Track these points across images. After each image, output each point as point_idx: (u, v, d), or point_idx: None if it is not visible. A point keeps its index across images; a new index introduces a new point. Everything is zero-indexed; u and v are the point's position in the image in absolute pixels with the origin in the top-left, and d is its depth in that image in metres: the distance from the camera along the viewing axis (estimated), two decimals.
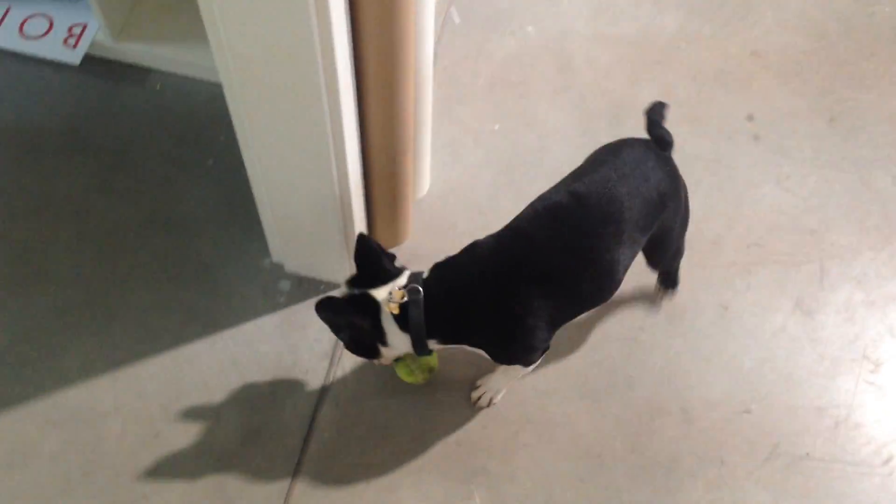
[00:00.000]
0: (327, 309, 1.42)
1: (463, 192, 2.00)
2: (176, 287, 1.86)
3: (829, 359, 1.79)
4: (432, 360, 1.68)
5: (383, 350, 1.48)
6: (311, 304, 1.78)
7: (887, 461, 1.69)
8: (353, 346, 1.52)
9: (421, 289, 1.37)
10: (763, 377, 1.77)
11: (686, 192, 1.55)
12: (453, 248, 1.47)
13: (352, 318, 1.44)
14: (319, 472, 1.65)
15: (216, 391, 1.73)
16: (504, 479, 1.66)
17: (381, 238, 1.86)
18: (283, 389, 1.74)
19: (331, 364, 1.77)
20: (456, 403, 1.73)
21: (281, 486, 1.64)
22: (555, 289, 1.38)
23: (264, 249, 1.88)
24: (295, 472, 1.65)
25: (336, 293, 1.47)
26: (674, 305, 1.84)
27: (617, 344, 1.80)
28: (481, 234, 1.46)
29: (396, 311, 1.38)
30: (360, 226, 1.73)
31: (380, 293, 1.41)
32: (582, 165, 1.48)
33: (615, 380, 1.76)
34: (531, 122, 2.11)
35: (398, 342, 1.45)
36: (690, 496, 1.64)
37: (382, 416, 1.71)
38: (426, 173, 1.97)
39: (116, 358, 1.77)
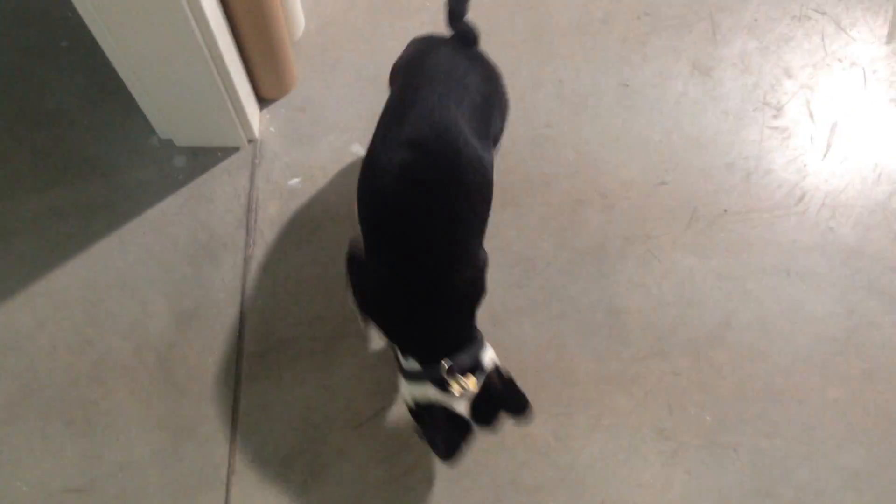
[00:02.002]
0: None
1: (341, 25, 1.89)
2: (67, 187, 1.76)
3: (732, 114, 1.81)
4: None
5: None
6: (212, 174, 1.72)
7: (800, 199, 1.75)
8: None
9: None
10: (672, 146, 1.78)
11: (503, 83, 1.43)
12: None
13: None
14: (264, 338, 1.65)
15: (137, 285, 1.68)
16: None
17: (267, 89, 1.77)
18: (205, 267, 1.69)
19: (247, 231, 1.72)
20: None
21: (228, 362, 1.63)
22: (459, 234, 1.28)
23: (148, 128, 1.77)
24: (239, 346, 1.64)
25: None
26: (576, 94, 1.81)
27: (527, 146, 1.79)
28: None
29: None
30: (239, 80, 1.63)
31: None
32: (396, 89, 1.36)
33: (531, 181, 1.76)
34: None
35: None
36: (624, 276, 1.69)
37: (311, 269, 1.69)
38: (298, 12, 1.84)
39: (26, 275, 1.70)
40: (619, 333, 1.65)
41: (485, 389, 1.27)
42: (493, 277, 1.62)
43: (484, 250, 1.35)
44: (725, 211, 1.73)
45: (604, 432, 1.58)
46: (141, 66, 1.51)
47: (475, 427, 1.29)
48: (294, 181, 1.76)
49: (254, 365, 1.63)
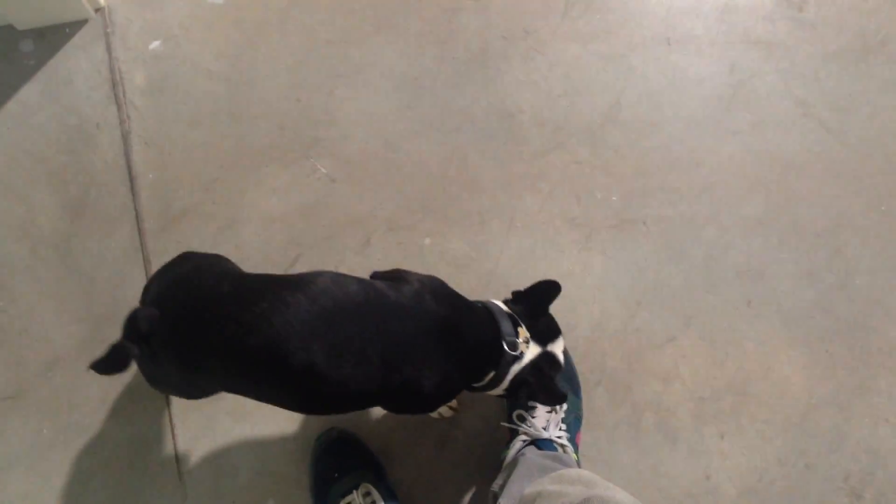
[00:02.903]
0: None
1: None
2: None
3: None
4: None
5: None
6: (65, 53, 1.61)
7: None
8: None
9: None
10: None
11: None
12: None
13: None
14: (163, 212, 1.60)
15: (16, 184, 1.60)
16: (338, 140, 1.64)
17: None
18: (84, 151, 1.61)
19: (118, 106, 1.64)
20: (270, 96, 1.65)
21: (132, 241, 1.59)
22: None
23: None
24: (139, 225, 1.59)
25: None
26: None
27: None
28: None
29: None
30: None
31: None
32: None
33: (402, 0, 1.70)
34: None
35: None
36: (511, 77, 1.67)
37: (194, 134, 1.63)
38: None
39: None
40: (517, 134, 1.65)
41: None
42: (381, 103, 1.59)
43: None
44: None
45: (518, 233, 1.60)
46: None
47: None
48: (155, 44, 1.66)
49: (158, 240, 1.59)
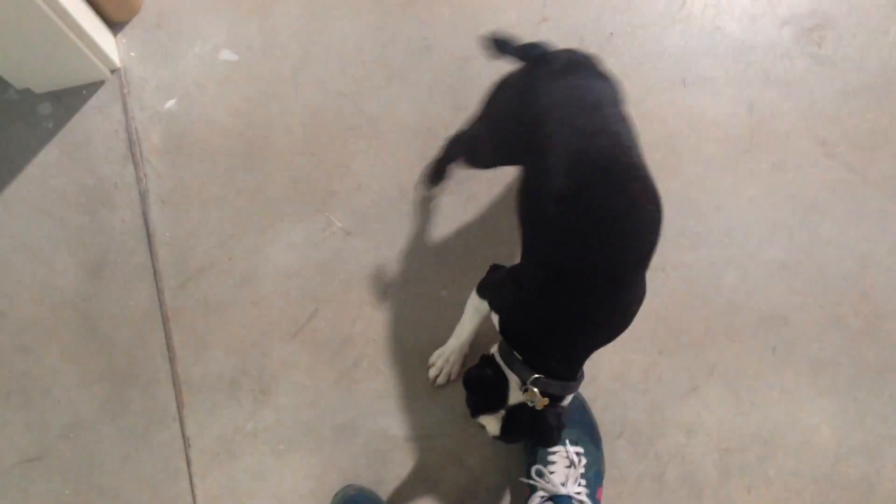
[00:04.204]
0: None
1: None
2: None
3: None
4: None
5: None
6: (83, 115, 1.63)
7: (682, 5, 1.71)
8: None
9: (539, 376, 1.21)
10: None
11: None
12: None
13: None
14: (180, 270, 1.61)
15: (36, 246, 1.62)
16: (353, 193, 1.64)
17: (114, 11, 1.65)
18: (101, 212, 1.63)
19: (135, 165, 1.65)
20: (285, 151, 1.66)
21: (150, 301, 1.60)
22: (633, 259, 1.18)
23: (1, 82, 1.66)
24: (158, 284, 1.60)
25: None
26: None
27: (398, 10, 1.71)
28: None
29: (547, 401, 1.22)
30: (76, 8, 1.51)
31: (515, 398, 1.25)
32: (517, 133, 1.20)
33: (411, 49, 1.70)
34: None
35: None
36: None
37: (209, 191, 1.64)
38: None
39: None
40: None
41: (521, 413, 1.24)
42: (395, 154, 1.59)
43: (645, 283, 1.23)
44: (612, 34, 1.68)
45: None
46: None
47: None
48: (170, 103, 1.68)
49: (176, 298, 1.60)
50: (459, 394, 1.40)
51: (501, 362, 1.25)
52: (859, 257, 1.59)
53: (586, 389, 1.53)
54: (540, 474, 1.42)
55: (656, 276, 1.58)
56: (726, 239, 1.60)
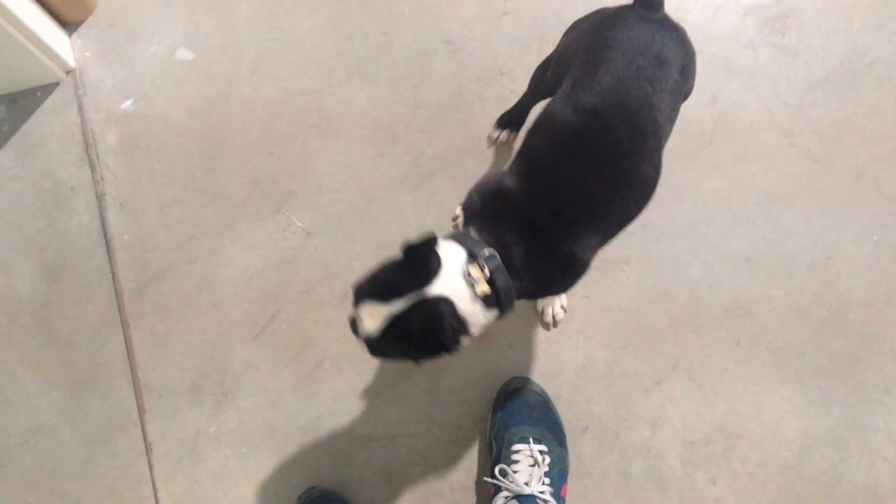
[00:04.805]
0: (401, 339, 1.07)
1: None
2: None
3: None
4: None
5: (464, 341, 1.11)
6: (38, 117, 1.61)
7: None
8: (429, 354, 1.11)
9: (496, 252, 1.11)
10: None
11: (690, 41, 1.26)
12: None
13: (441, 330, 1.05)
14: (139, 272, 1.60)
15: None
16: (313, 192, 1.63)
17: (67, 12, 1.63)
18: (58, 216, 1.61)
19: (92, 168, 1.63)
20: (244, 150, 1.64)
21: (109, 305, 1.58)
22: (600, 216, 1.17)
23: None
24: (116, 287, 1.59)
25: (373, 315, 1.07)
26: None
27: (358, 5, 1.69)
28: None
29: (488, 290, 1.09)
30: (24, 10, 1.49)
31: (446, 285, 1.07)
32: (575, 52, 1.21)
33: (370, 44, 1.68)
34: None
35: (483, 322, 1.12)
36: (486, 118, 1.65)
37: (168, 192, 1.62)
38: None
39: None
40: None
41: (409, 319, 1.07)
42: (355, 152, 1.57)
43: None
44: None
45: None
46: None
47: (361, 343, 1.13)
48: (127, 103, 1.66)
49: (136, 302, 1.58)
50: (423, 392, 1.39)
51: (450, 240, 1.14)
52: (823, 248, 1.58)
53: (550, 385, 1.52)
54: (504, 474, 1.41)
55: (619, 269, 1.57)
56: (690, 231, 1.59)
